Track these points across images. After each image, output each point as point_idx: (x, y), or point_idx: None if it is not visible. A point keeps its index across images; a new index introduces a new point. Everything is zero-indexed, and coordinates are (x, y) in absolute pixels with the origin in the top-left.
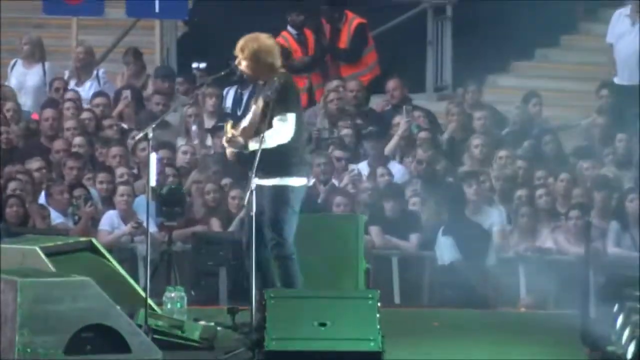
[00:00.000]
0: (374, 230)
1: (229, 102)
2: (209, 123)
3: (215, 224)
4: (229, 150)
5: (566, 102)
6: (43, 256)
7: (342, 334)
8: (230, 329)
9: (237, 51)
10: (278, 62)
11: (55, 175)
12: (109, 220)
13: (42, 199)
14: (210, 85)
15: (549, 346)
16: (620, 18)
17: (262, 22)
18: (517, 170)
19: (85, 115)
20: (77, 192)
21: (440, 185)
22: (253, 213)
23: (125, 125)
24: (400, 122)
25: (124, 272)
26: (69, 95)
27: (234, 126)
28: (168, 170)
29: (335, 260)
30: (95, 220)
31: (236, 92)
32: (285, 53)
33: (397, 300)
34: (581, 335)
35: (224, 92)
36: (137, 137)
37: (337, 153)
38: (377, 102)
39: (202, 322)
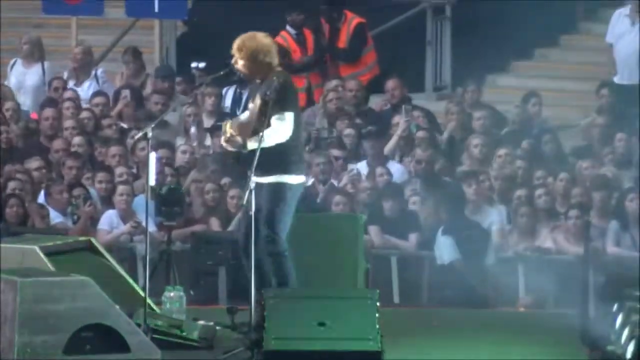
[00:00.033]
0: (373, 229)
1: (228, 102)
2: (208, 122)
3: (215, 224)
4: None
5: (566, 101)
6: (42, 256)
7: (341, 334)
8: (230, 328)
9: (234, 50)
10: (275, 61)
11: (54, 174)
12: (108, 219)
13: (41, 198)
14: (209, 85)
15: (548, 346)
16: (620, 18)
17: (261, 21)
18: (516, 170)
19: (84, 114)
20: (76, 191)
21: (439, 185)
22: (252, 212)
23: (124, 125)
24: (400, 121)
25: (123, 272)
26: (67, 94)
27: (232, 125)
28: (167, 169)
29: (335, 259)
30: (94, 220)
31: (235, 91)
32: (282, 52)
33: (396, 299)
34: (580, 335)
35: (223, 92)
36: (136, 137)
37: (335, 152)
38: (376, 102)
39: (201, 322)
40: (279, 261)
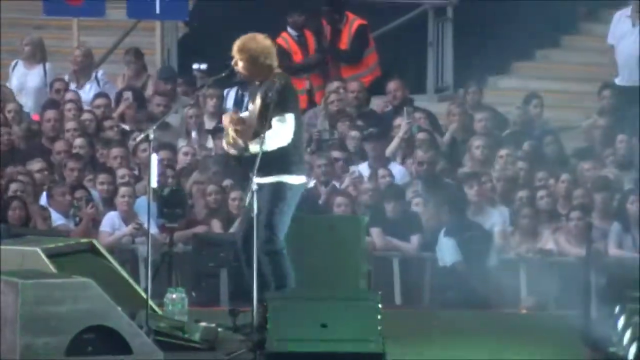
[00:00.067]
0: (375, 231)
1: (229, 103)
2: (209, 124)
3: (216, 225)
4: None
5: (567, 103)
6: (44, 257)
7: (343, 335)
8: (232, 330)
9: (235, 51)
10: (275, 62)
11: (56, 176)
12: (110, 221)
13: (43, 200)
14: (211, 87)
15: (550, 347)
16: (621, 19)
17: (262, 23)
18: (518, 172)
19: (85, 116)
20: (78, 193)
21: (441, 187)
22: (254, 214)
23: (126, 127)
24: (401, 123)
25: (125, 274)
26: (69, 96)
27: (232, 119)
28: (169, 171)
29: (336, 261)
30: (96, 222)
31: (237, 93)
32: (282, 53)
33: (398, 301)
34: (582, 337)
35: (225, 93)
36: (138, 139)
37: (336, 154)
38: (377, 104)
39: (203, 324)
40: (276, 260)
